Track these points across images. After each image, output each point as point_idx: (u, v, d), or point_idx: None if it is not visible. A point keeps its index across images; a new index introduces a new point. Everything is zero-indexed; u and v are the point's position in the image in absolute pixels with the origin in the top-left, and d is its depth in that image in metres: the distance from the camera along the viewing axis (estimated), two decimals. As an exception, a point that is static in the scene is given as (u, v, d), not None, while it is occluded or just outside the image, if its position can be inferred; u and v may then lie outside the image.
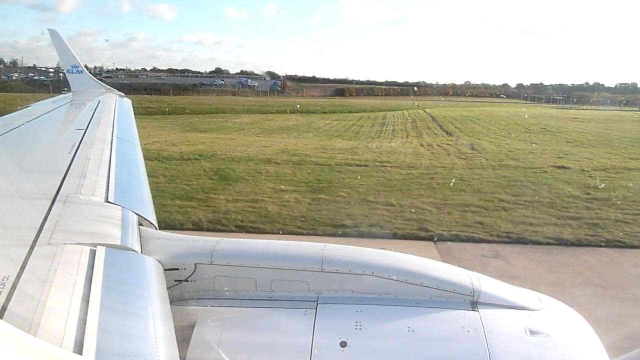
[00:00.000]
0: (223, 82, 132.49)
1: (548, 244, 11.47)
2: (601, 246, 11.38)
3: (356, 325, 2.34)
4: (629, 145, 29.44)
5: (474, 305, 2.44)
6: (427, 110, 60.71)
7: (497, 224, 12.64)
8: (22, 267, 1.94)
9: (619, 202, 14.72)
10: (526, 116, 55.02)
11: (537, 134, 35.92)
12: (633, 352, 1.69)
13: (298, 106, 63.62)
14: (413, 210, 13.58)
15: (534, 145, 28.84)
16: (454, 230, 12.13)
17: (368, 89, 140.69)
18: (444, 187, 16.58)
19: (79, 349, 1.54)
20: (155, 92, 78.74)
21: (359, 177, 17.84)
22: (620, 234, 12.06)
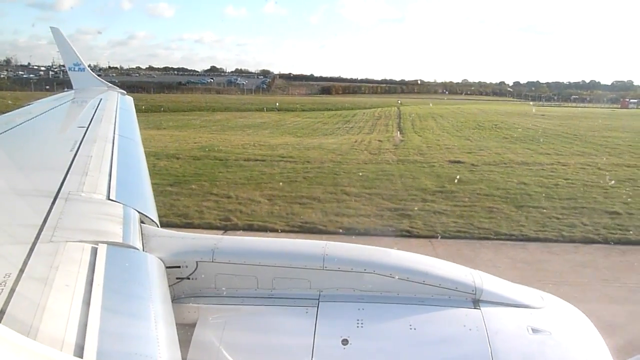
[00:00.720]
0: (212, 80, 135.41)
1: (336, 233, 11.76)
2: (380, 235, 11.71)
3: (358, 324, 2.34)
4: (557, 141, 30.25)
5: (476, 303, 2.43)
6: (400, 108, 62.76)
7: (307, 213, 13.01)
8: (24, 265, 1.94)
9: (460, 195, 15.30)
10: (493, 113, 57.13)
11: (482, 130, 37.11)
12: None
13: (277, 104, 65.63)
14: (238, 201, 14.08)
15: (466, 141, 29.74)
16: (256, 219, 12.49)
17: (356, 86, 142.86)
18: (306, 180, 16.96)
19: (79, 348, 1.54)
20: (141, 90, 79.75)
21: (238, 171, 18.45)
22: (420, 223, 12.47)
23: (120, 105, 9.08)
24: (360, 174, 18.03)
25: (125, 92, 12.37)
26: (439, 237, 11.61)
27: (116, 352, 1.62)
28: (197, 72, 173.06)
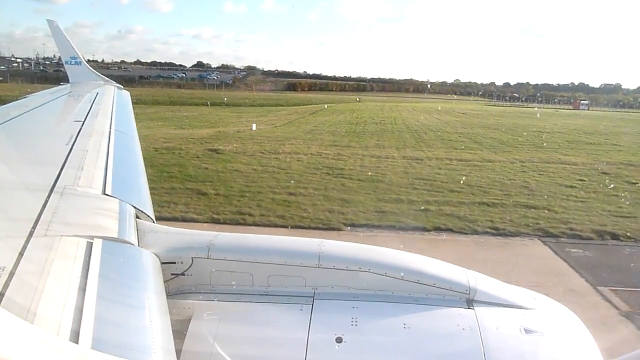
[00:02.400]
0: (184, 74, 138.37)
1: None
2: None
3: (352, 322, 2.34)
4: (390, 134, 34.06)
5: (469, 303, 2.45)
6: (344, 105, 69.01)
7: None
8: (19, 259, 1.93)
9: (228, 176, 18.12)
10: (419, 110, 62.70)
11: (366, 125, 40.54)
12: (631, 353, 1.69)
13: (225, 99, 68.27)
14: None
15: (318, 135, 32.37)
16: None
17: (323, 83, 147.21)
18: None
19: (75, 341, 1.54)
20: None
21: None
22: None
23: (116, 99, 9.04)
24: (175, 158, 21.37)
25: (122, 87, 12.31)
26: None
27: (110, 344, 1.62)
28: (184, 67, 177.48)
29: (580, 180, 20.12)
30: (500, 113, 64.69)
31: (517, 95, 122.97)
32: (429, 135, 34.01)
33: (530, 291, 2.70)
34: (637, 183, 19.85)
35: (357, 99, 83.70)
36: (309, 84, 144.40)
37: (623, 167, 23.54)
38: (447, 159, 23.76)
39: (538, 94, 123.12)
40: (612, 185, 18.89)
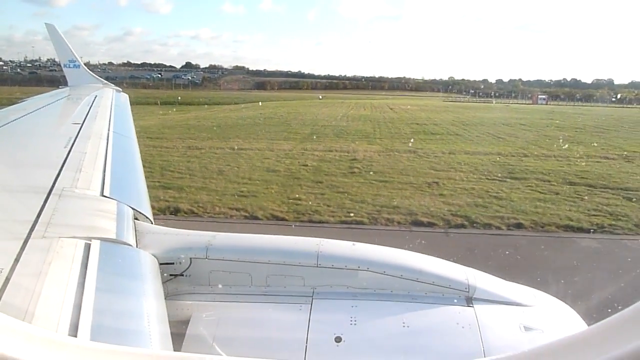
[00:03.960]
0: (159, 75, 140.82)
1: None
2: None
3: (351, 321, 2.34)
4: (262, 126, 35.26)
5: (469, 301, 2.45)
6: (284, 102, 71.49)
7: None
8: (16, 261, 1.93)
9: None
10: (360, 106, 65.35)
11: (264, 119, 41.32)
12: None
13: (179, 98, 70.57)
14: None
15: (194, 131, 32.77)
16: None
17: (294, 82, 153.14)
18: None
19: (73, 328, 1.56)
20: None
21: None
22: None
23: (115, 102, 9.05)
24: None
25: (120, 90, 12.31)
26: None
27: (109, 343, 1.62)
28: (175, 68, 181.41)
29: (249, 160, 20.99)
30: (443, 108, 66.15)
31: (490, 92, 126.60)
32: (292, 127, 34.99)
33: (529, 288, 2.70)
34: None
35: (320, 97, 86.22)
36: (279, 82, 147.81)
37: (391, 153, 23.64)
38: (249, 149, 24.26)
39: (513, 91, 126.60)
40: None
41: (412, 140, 27.40)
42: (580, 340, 0.86)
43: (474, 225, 12.35)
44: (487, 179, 17.91)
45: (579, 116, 55.02)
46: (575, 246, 11.26)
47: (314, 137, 29.66)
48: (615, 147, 27.87)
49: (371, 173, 18.54)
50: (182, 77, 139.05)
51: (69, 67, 13.00)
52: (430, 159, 22.20)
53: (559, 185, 16.89)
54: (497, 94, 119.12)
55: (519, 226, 12.30)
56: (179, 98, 69.38)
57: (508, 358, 0.89)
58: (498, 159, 22.63)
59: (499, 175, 18.51)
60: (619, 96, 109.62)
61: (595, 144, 28.48)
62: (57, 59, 13.37)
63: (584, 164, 21.47)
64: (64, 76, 13.14)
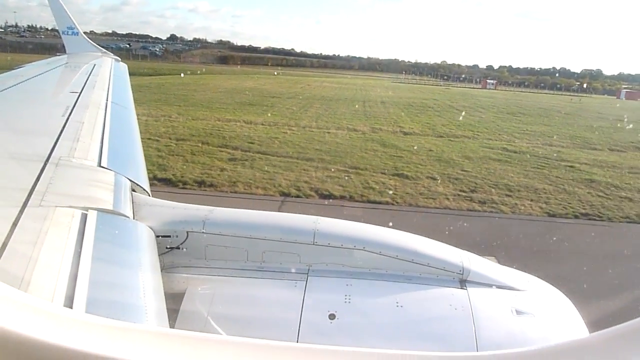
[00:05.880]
0: (129, 45, 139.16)
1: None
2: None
3: (345, 299, 2.36)
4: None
5: (462, 283, 2.47)
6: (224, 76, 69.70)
7: None
8: (12, 228, 1.92)
9: None
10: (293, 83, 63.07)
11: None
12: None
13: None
14: None
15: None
16: None
17: (257, 57, 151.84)
18: None
19: (69, 300, 1.56)
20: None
21: None
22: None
23: (113, 71, 8.91)
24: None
25: (119, 59, 12.12)
26: None
27: (104, 312, 1.63)
28: (160, 39, 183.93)
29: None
30: (363, 86, 65.16)
31: (458, 76, 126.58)
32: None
33: (522, 273, 2.73)
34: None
35: (275, 73, 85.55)
36: (241, 57, 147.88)
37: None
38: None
39: (476, 76, 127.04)
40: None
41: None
42: (586, 345, 0.86)
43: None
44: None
45: (489, 99, 55.55)
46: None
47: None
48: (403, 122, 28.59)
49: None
50: (149, 48, 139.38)
51: (68, 34, 12.74)
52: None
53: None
54: (462, 79, 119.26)
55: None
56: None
57: (508, 354, 0.89)
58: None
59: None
60: (577, 85, 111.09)
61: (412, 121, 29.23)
62: (55, 26, 13.06)
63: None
64: (58, 44, 12.92)
